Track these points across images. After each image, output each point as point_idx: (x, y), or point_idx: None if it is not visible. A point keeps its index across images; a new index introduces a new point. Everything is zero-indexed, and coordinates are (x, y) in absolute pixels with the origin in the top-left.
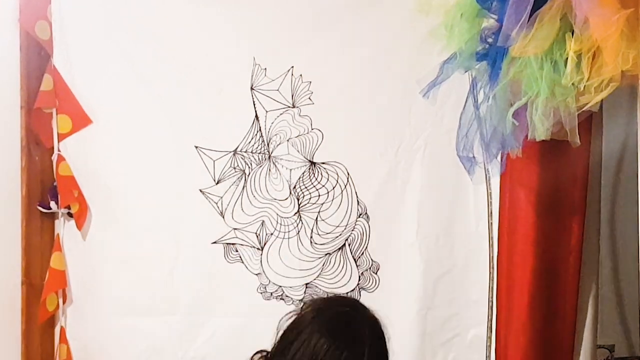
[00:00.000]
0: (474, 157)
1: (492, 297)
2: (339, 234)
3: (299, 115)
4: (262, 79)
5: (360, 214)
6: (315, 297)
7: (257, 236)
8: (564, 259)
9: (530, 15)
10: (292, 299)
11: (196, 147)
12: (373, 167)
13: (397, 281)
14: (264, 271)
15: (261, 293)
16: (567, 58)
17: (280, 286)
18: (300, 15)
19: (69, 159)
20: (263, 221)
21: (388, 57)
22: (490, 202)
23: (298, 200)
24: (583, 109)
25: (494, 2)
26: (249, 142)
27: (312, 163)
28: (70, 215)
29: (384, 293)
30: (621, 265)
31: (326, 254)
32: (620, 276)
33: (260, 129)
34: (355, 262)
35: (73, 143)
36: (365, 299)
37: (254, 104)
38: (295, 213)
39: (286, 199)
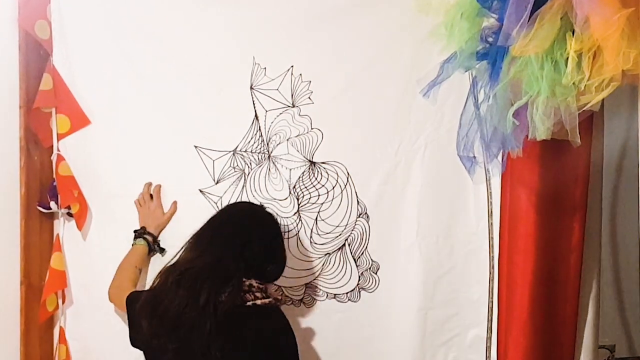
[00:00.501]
0: (474, 156)
1: (492, 297)
2: (339, 233)
3: (299, 114)
4: (262, 79)
5: (360, 214)
6: None
7: None
8: (565, 259)
9: (531, 15)
10: (291, 299)
11: (196, 146)
12: (373, 166)
13: (397, 281)
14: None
15: None
16: (567, 57)
17: (280, 286)
18: (300, 14)
19: (68, 159)
20: None
21: (388, 56)
22: (491, 202)
23: (298, 200)
24: (584, 109)
25: (494, 1)
26: (249, 142)
27: (312, 163)
28: (70, 215)
29: (384, 293)
30: (622, 265)
31: (326, 254)
32: (621, 276)
33: (259, 129)
34: (355, 262)
35: (73, 143)
36: (366, 299)
37: (254, 104)
38: (295, 213)
39: (286, 198)
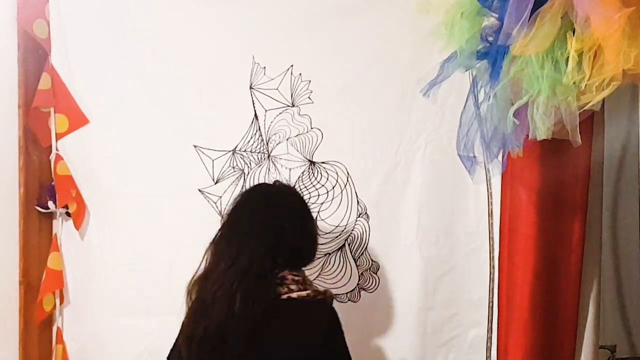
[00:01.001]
0: (474, 156)
1: (492, 298)
2: (339, 233)
3: (299, 114)
4: (262, 78)
5: (360, 214)
6: None
7: None
8: (566, 259)
9: (531, 14)
10: None
11: (195, 146)
12: (373, 166)
13: (397, 281)
14: None
15: None
16: (568, 57)
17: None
18: (300, 14)
19: (67, 159)
20: None
21: (388, 56)
22: (491, 202)
23: None
24: (584, 108)
25: (494, 0)
26: (248, 142)
27: (312, 162)
28: (68, 214)
29: (384, 293)
30: (623, 265)
31: (326, 254)
32: (622, 276)
33: (259, 128)
34: (355, 262)
35: (71, 142)
36: (365, 300)
37: (253, 103)
38: None
39: None
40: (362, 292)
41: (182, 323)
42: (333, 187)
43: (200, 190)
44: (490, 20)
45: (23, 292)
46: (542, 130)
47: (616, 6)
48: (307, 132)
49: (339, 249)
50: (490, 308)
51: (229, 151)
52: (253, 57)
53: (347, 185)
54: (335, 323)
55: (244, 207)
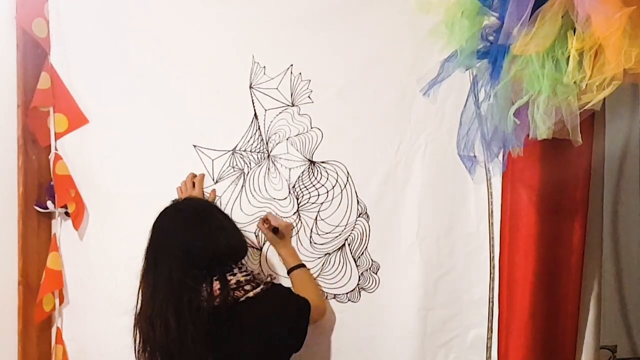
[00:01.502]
0: (474, 156)
1: (493, 298)
2: (339, 233)
3: (299, 113)
4: (261, 77)
5: (360, 214)
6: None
7: (256, 236)
8: (566, 259)
9: (532, 13)
10: None
11: (195, 146)
12: (373, 166)
13: (397, 281)
14: (262, 271)
15: None
16: (569, 56)
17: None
18: (300, 13)
19: (66, 158)
20: None
21: (388, 55)
22: (491, 202)
23: (297, 199)
24: (585, 108)
25: None
26: (248, 141)
27: (312, 162)
28: (67, 214)
29: (384, 293)
30: (624, 265)
31: (326, 254)
32: (622, 276)
33: (259, 128)
34: (355, 262)
35: (70, 142)
36: (365, 300)
37: (253, 103)
38: (295, 212)
39: (285, 198)
40: (362, 292)
41: None
42: (333, 187)
43: None
44: (491, 20)
45: (22, 292)
46: (542, 129)
47: (617, 5)
48: (307, 131)
49: (339, 249)
50: (491, 308)
51: (229, 151)
52: (253, 57)
53: (347, 185)
54: (292, 299)
55: (153, 237)
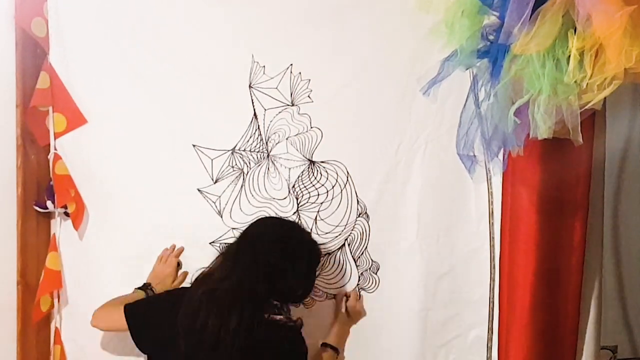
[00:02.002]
0: (474, 155)
1: (493, 298)
2: (339, 233)
3: (298, 113)
4: (261, 77)
5: (360, 214)
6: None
7: None
8: (567, 259)
9: (532, 12)
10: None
11: (194, 145)
12: (373, 166)
13: (397, 281)
14: None
15: None
16: (569, 55)
17: None
18: (299, 12)
19: (65, 158)
20: None
21: (388, 54)
22: (492, 201)
23: (297, 199)
24: (586, 107)
25: None
26: (248, 141)
27: (312, 162)
28: (67, 214)
29: (384, 293)
30: (624, 265)
31: (326, 254)
32: (623, 277)
33: (258, 127)
34: (355, 262)
35: (70, 142)
36: (366, 300)
37: (253, 102)
38: (294, 212)
39: (285, 198)
40: (362, 292)
41: (159, 302)
42: (333, 187)
43: (199, 190)
44: (491, 19)
45: (21, 292)
46: (543, 129)
47: (618, 4)
48: (306, 131)
49: (338, 248)
50: (491, 308)
51: (228, 150)
52: (252, 56)
53: (347, 185)
54: (298, 346)
55: (262, 238)
